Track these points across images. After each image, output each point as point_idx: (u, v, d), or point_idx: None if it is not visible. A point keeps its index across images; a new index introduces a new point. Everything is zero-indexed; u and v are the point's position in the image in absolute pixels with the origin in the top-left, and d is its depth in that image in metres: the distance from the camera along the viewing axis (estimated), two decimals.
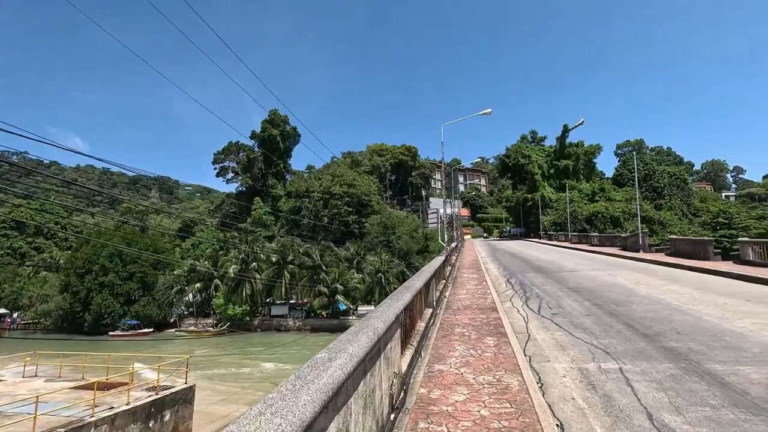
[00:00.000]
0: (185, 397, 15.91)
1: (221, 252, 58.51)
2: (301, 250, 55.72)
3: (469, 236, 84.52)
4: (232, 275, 50.58)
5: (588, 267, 21.00)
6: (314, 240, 65.60)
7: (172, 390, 15.44)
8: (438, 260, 13.98)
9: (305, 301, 53.12)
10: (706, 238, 25.19)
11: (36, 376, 18.14)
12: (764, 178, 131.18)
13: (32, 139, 13.24)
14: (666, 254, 24.84)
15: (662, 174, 74.52)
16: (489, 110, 25.20)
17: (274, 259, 54.38)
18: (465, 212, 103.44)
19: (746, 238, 20.24)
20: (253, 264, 52.32)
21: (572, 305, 11.30)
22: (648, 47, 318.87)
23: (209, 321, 52.80)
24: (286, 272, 52.33)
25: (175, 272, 55.74)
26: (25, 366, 18.01)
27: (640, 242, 27.65)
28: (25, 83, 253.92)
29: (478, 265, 24.09)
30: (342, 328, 49.03)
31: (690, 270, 17.64)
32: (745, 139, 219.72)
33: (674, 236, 27.42)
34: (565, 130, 79.72)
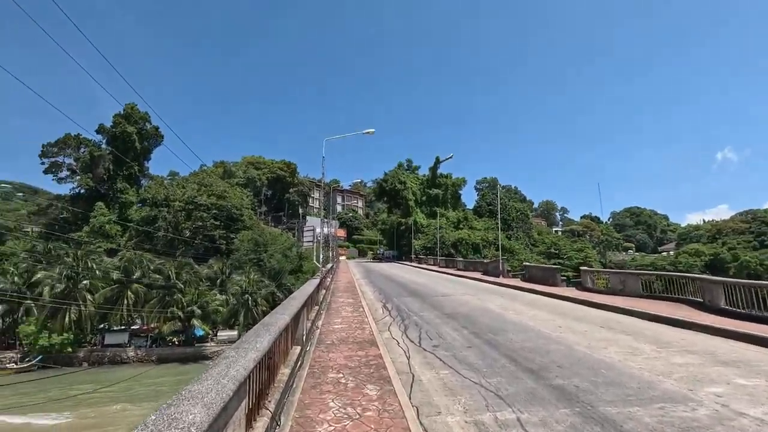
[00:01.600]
0: None
1: (40, 266, 46.79)
2: (152, 267, 47.80)
3: (344, 257, 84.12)
4: (47, 296, 40.39)
5: (459, 291, 21.50)
6: (171, 255, 57.22)
7: None
8: (312, 284, 12.27)
9: (152, 326, 45.29)
10: (554, 266, 28.42)
11: None
12: (582, 217, 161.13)
13: None
14: (521, 279, 27.19)
15: (512, 209, 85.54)
16: (372, 130, 24.84)
17: (115, 277, 45.45)
18: (341, 233, 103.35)
19: (586, 268, 23.13)
20: (85, 282, 42.83)
21: (452, 334, 10.66)
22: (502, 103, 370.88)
23: (11, 355, 41.09)
24: (129, 292, 44.04)
25: None
26: None
27: (500, 268, 29.98)
28: None
29: (354, 288, 22.94)
30: (196, 357, 42.75)
31: (544, 295, 19.14)
32: (571, 185, 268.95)
33: (528, 264, 30.47)
34: (437, 161, 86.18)
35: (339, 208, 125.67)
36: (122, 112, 71.51)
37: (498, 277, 29.05)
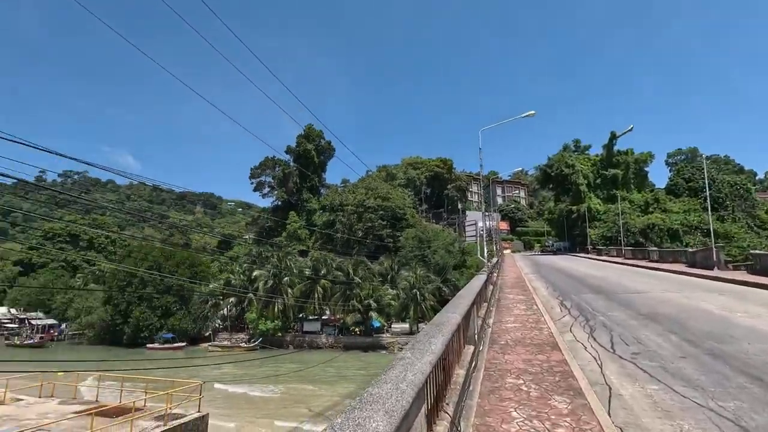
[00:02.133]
0: (197, 428, 14.50)
1: (255, 266, 58.32)
2: (334, 265, 54.43)
3: (508, 251, 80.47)
4: (261, 290, 49.86)
5: (657, 287, 17.98)
6: (348, 254, 64.27)
7: (182, 420, 14.07)
8: (479, 279, 11.85)
9: (338, 317, 51.56)
10: None
11: (52, 396, 17.41)
12: None
13: (89, 164, 12.44)
14: (748, 272, 21.24)
15: (723, 183, 67.95)
16: (533, 112, 22.87)
17: (307, 274, 53.39)
18: (503, 225, 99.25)
19: None
20: (286, 279, 51.49)
21: (655, 340, 8.83)
22: (707, 53, 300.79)
23: (242, 336, 52.24)
24: (318, 287, 51.07)
25: (211, 286, 55.90)
26: (41, 385, 17.38)
27: (714, 258, 24.01)
28: (81, 108, 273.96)
29: (524, 284, 21.51)
30: (375, 346, 46.76)
31: None
32: None
33: (757, 252, 23.56)
34: (613, 137, 74.84)
35: (499, 200, 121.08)
36: (303, 132, 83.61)
37: (711, 269, 23.32)
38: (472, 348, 7.26)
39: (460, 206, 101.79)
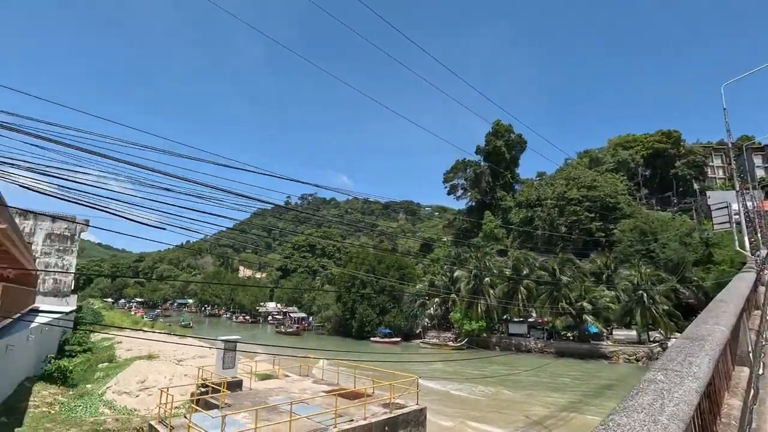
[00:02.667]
0: (417, 419, 15.68)
1: (455, 267, 60.17)
2: (536, 264, 51.18)
3: None
4: (464, 291, 50.75)
5: None
6: (551, 252, 59.43)
7: (405, 410, 15.44)
8: (744, 279, 9.01)
9: (545, 320, 48.12)
10: None
11: (308, 376, 21.79)
12: None
13: (317, 186, 15.64)
14: None
15: None
16: None
17: (507, 274, 51.84)
18: None
19: None
20: (486, 279, 51.16)
21: None
22: None
23: (448, 335, 54.41)
24: (521, 288, 48.86)
25: (417, 287, 60.38)
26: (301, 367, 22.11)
27: None
28: (304, 138, 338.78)
29: None
30: (594, 355, 41.59)
31: None
32: None
33: None
34: None
35: (760, 173, 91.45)
36: (491, 129, 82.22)
37: None
38: (746, 371, 5.50)
39: (696, 186, 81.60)
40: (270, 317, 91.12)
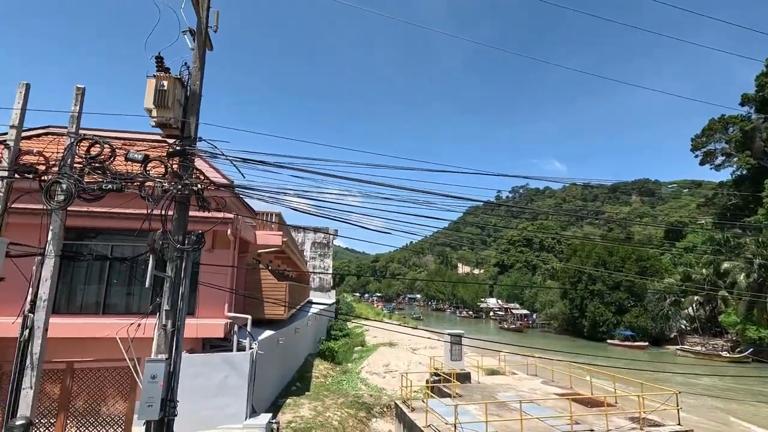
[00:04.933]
0: None
1: (723, 256, 46.78)
2: None
3: None
4: (743, 286, 38.75)
5: None
6: None
7: (663, 429, 12.80)
8: None
9: None
10: None
11: (536, 375, 20.81)
12: None
13: (526, 177, 15.58)
14: None
15: None
16: None
17: None
18: None
19: None
20: None
21: None
22: None
23: (720, 342, 42.71)
24: None
25: (665, 281, 49.84)
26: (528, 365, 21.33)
27: None
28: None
29: None
30: None
31: None
32: None
33: None
34: None
35: None
36: (764, 69, 61.00)
37: None
38: None
39: None
40: (491, 313, 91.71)
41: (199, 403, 9.98)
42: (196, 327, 10.61)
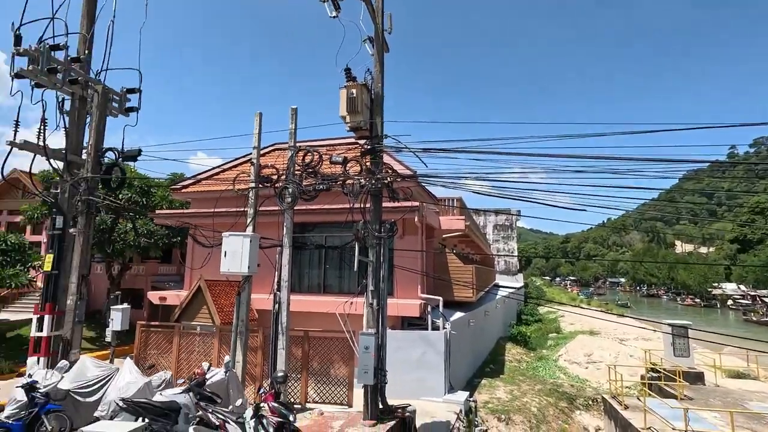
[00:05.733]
0: None
1: None
2: None
3: None
4: None
5: None
6: None
7: None
8: None
9: None
10: None
11: None
12: None
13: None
14: None
15: None
16: None
17: None
18: None
19: None
20: None
21: None
22: None
23: None
24: None
25: None
26: None
27: None
28: None
29: None
30: None
31: None
32: None
33: None
34: None
35: None
36: None
37: None
38: None
39: None
40: (730, 301, 72.80)
41: (401, 375, 11.07)
42: (396, 306, 11.76)
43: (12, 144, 7.51)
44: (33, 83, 7.84)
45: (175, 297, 14.97)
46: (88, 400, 7.18)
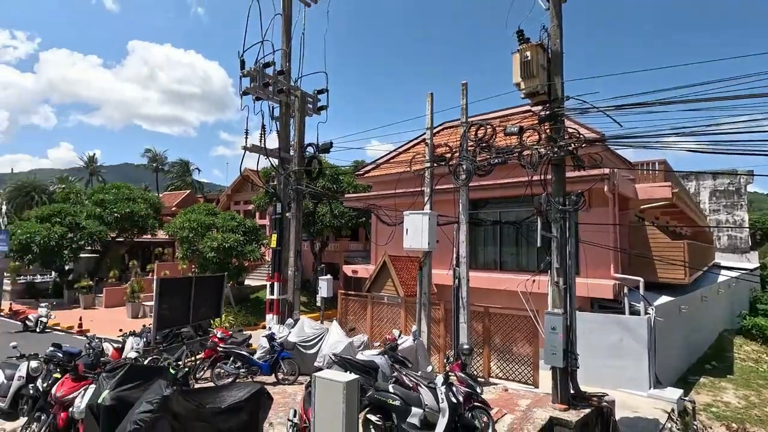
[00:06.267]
0: None
1: None
2: None
3: None
4: None
5: None
6: None
7: None
8: None
9: None
10: None
11: None
12: None
13: None
14: None
15: None
16: None
17: None
18: None
19: None
20: None
21: None
22: None
23: None
24: None
25: None
26: None
27: None
28: None
29: None
30: None
31: None
32: None
33: None
34: None
35: None
36: None
37: None
38: None
39: None
40: None
41: (593, 360, 10.02)
42: (586, 286, 10.66)
43: (245, 148, 9.56)
44: (254, 97, 9.76)
45: (364, 270, 16.89)
46: (308, 352, 8.80)
